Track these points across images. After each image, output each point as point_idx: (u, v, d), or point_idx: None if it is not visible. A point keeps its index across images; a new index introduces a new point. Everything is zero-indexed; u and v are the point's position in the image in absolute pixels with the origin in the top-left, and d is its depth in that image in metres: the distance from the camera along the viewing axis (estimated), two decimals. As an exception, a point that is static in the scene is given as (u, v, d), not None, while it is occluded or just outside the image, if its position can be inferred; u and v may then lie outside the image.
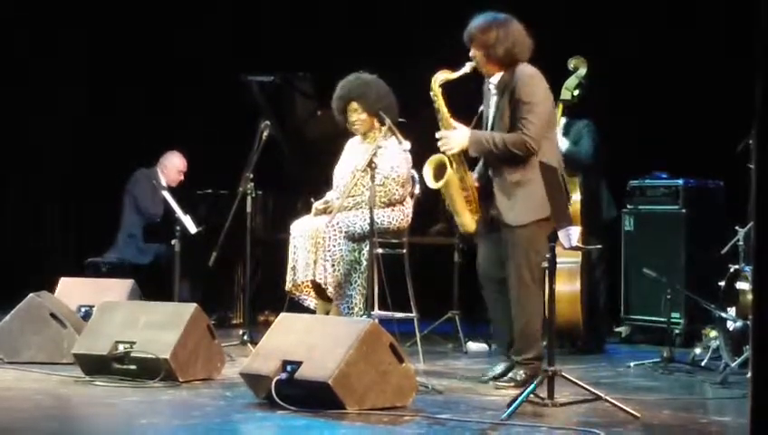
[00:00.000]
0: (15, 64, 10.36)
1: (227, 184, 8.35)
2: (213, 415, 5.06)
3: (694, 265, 7.87)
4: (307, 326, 5.49)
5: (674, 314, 7.63)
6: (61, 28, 10.55)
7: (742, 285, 6.35)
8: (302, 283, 6.86)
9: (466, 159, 6.09)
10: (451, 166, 6.01)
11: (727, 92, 7.89)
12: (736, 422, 5.07)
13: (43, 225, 10.86)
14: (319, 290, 6.86)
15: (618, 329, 8.39)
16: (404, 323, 6.75)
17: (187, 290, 8.43)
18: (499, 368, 6.05)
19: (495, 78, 6.00)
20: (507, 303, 5.95)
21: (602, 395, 5.23)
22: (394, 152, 6.80)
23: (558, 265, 5.30)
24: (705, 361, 6.68)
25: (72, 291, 7.16)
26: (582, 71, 7.62)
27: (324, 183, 7.31)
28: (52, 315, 6.52)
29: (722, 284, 6.50)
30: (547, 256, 5.27)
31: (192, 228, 7.79)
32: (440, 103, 6.04)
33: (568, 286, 7.35)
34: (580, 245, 5.61)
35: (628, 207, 8.35)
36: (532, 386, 5.21)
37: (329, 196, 7.13)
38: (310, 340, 5.28)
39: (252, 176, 7.25)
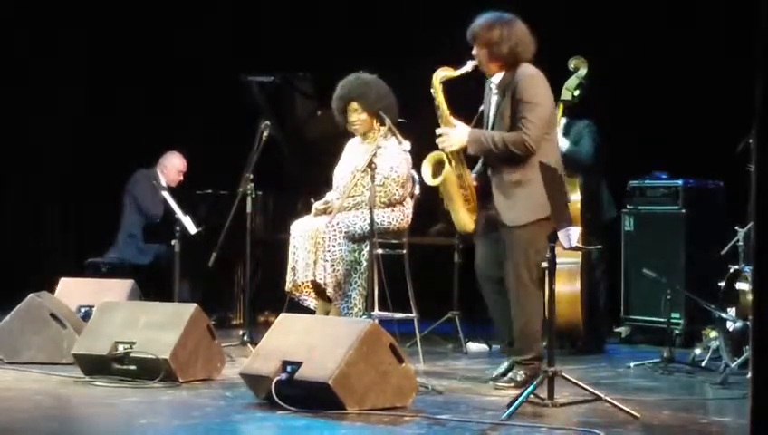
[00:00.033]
0: (15, 64, 10.36)
1: (227, 184, 8.35)
2: (213, 415, 5.06)
3: (694, 265, 7.86)
4: (307, 327, 5.49)
5: (674, 315, 7.62)
6: (61, 28, 10.55)
7: (742, 286, 6.35)
8: (303, 283, 6.86)
9: (466, 160, 6.09)
10: (450, 163, 6.01)
11: (727, 92, 7.89)
12: (736, 423, 5.07)
13: (43, 225, 10.86)
14: (319, 290, 6.86)
15: (618, 329, 8.39)
16: (404, 324, 6.75)
17: (187, 290, 8.43)
18: (503, 367, 6.06)
19: (497, 77, 6.00)
20: (507, 303, 5.95)
21: (602, 395, 5.23)
22: (394, 152, 6.80)
23: (558, 266, 5.30)
24: (705, 361, 6.67)
25: (72, 291, 7.16)
26: (583, 71, 7.62)
27: (324, 183, 7.31)
28: (52, 316, 6.52)
29: (722, 284, 6.49)
30: (547, 256, 5.27)
31: (192, 229, 7.79)
32: (440, 100, 6.04)
33: (568, 287, 7.35)
34: (580, 245, 5.62)
35: (628, 207, 8.35)
36: (532, 386, 5.21)
37: (329, 196, 7.12)
38: (310, 340, 5.28)
39: (252, 176, 7.25)
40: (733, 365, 6.20)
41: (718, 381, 6.12)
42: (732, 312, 6.40)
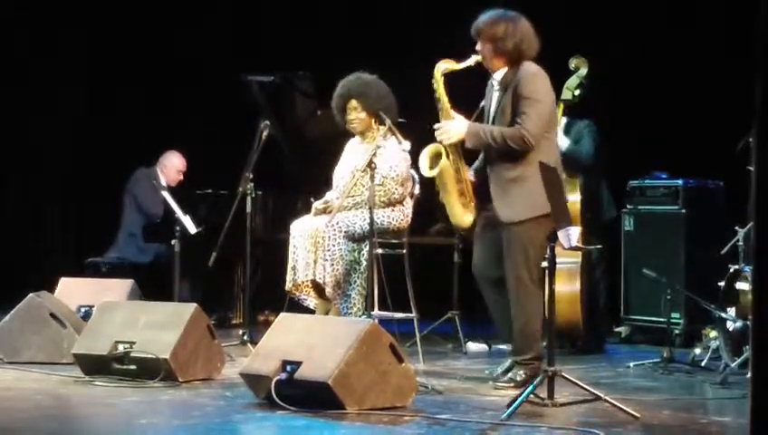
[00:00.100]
0: (15, 64, 10.36)
1: (227, 184, 8.34)
2: (213, 415, 5.06)
3: (694, 265, 7.86)
4: (307, 326, 5.49)
5: (674, 315, 7.62)
6: (61, 28, 10.55)
7: (742, 286, 6.35)
8: (303, 283, 6.86)
9: (466, 157, 6.09)
10: (447, 156, 6.01)
11: (727, 92, 7.89)
12: (736, 423, 5.07)
13: (43, 225, 10.86)
14: (319, 290, 6.86)
15: (617, 329, 8.39)
16: (404, 324, 6.75)
17: (187, 290, 8.43)
18: (506, 365, 6.06)
19: (499, 74, 6.00)
20: (507, 303, 5.94)
21: (602, 395, 5.23)
22: (393, 152, 6.80)
23: (558, 266, 5.30)
24: (705, 361, 6.67)
25: (71, 291, 7.16)
26: (583, 71, 7.62)
27: (324, 183, 7.31)
28: (52, 315, 6.52)
29: (722, 284, 6.50)
30: (547, 256, 5.27)
31: (192, 229, 7.79)
32: (441, 92, 6.04)
33: (568, 286, 7.35)
34: (580, 245, 5.61)
35: (628, 207, 8.35)
36: (532, 386, 5.20)
37: (328, 196, 7.13)
38: (310, 340, 5.28)
39: (252, 176, 7.24)
40: (733, 365, 6.20)
41: (718, 381, 6.12)
42: (732, 312, 6.40)
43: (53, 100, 10.52)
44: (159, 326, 5.93)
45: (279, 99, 8.93)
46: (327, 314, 6.79)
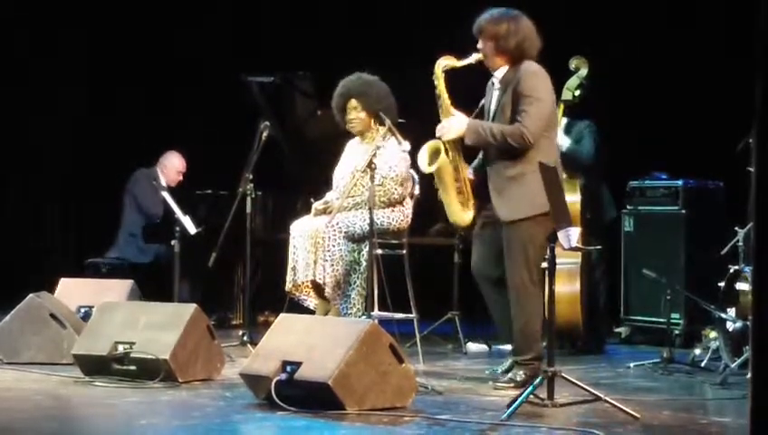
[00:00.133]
0: (15, 64, 10.37)
1: (227, 184, 8.35)
2: (213, 415, 5.06)
3: (693, 265, 7.86)
4: (307, 327, 5.49)
5: (674, 315, 7.62)
6: (61, 28, 10.55)
7: (741, 286, 6.35)
8: (303, 283, 6.86)
9: (466, 156, 6.09)
10: (446, 153, 6.01)
11: (727, 92, 7.89)
12: (736, 423, 5.07)
13: (43, 225, 10.86)
14: (319, 290, 6.86)
15: (617, 330, 8.39)
16: (404, 324, 6.75)
17: (187, 290, 8.43)
18: (507, 364, 6.06)
19: (500, 72, 6.00)
20: (506, 303, 5.94)
21: (602, 396, 5.23)
22: (392, 152, 6.80)
23: (558, 266, 5.30)
24: (705, 361, 6.67)
25: (71, 291, 7.15)
26: (584, 71, 7.62)
27: (324, 183, 7.31)
28: (52, 316, 6.52)
29: (722, 284, 6.50)
30: (546, 256, 5.27)
31: (192, 229, 7.79)
32: (441, 89, 6.04)
33: (568, 287, 7.35)
34: (580, 245, 5.61)
35: (628, 207, 8.35)
36: (532, 387, 5.20)
37: (328, 196, 7.13)
38: (309, 340, 5.28)
39: (251, 176, 7.25)
40: (732, 365, 6.20)
41: (718, 382, 6.12)
42: (732, 312, 6.40)
43: (53, 100, 10.52)
44: (159, 327, 5.93)
45: (279, 99, 8.93)
46: (327, 314, 6.79)
